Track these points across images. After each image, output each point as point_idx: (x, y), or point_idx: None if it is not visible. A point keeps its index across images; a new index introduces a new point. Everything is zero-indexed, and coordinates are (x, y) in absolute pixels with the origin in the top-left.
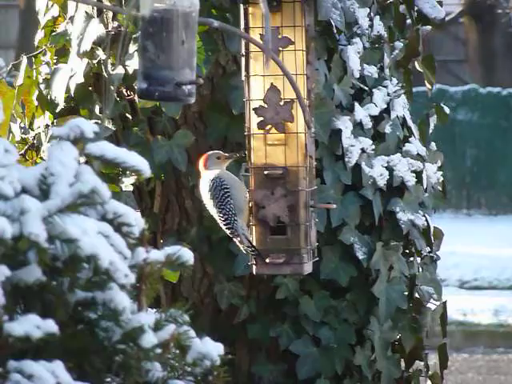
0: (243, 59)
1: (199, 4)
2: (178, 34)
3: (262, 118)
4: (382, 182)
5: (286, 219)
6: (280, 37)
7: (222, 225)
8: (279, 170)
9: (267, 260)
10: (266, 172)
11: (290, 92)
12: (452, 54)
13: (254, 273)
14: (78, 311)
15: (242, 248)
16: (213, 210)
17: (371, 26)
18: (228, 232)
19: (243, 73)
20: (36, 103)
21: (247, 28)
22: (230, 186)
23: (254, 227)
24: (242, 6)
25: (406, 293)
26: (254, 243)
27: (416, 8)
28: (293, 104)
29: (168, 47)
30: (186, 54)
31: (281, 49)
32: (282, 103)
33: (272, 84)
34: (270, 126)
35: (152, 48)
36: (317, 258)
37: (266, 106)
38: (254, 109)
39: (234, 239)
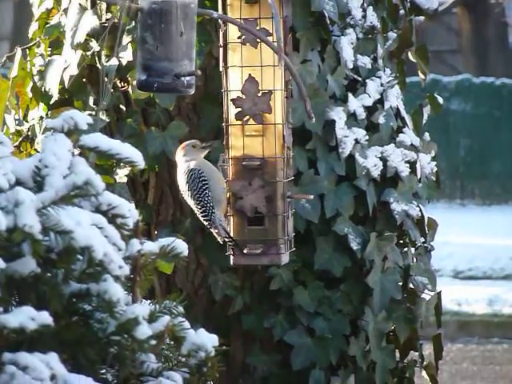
0: (221, 50)
1: None
2: (177, 25)
3: (239, 109)
4: (375, 173)
5: (263, 210)
6: (258, 28)
7: (199, 216)
8: (257, 160)
9: (245, 250)
10: (243, 163)
11: (267, 83)
12: (445, 44)
13: (232, 263)
14: (73, 303)
15: (219, 239)
16: (190, 201)
17: (364, 17)
18: (205, 223)
19: (221, 64)
20: (30, 95)
21: None
22: (208, 178)
23: (231, 218)
24: None
25: (401, 283)
26: (232, 234)
27: None
28: (271, 95)
29: (167, 39)
30: (184, 46)
31: (259, 40)
32: (259, 94)
33: (250, 75)
34: (247, 117)
35: (151, 39)
36: (293, 249)
37: (243, 96)
38: (231, 100)
39: (212, 230)
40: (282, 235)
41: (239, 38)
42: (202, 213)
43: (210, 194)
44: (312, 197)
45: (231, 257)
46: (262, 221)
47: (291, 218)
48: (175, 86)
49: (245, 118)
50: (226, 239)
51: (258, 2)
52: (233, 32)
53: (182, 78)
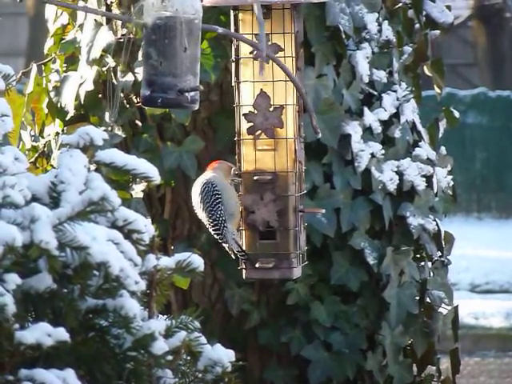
0: (233, 65)
1: (208, 10)
2: (181, 40)
3: (251, 124)
4: (391, 187)
5: (275, 224)
6: (270, 43)
7: (210, 230)
8: (268, 175)
9: (257, 264)
10: (255, 177)
11: (279, 98)
12: (461, 58)
13: (244, 277)
14: (89, 318)
15: (230, 253)
16: (202, 214)
17: (380, 31)
18: (217, 237)
19: (233, 78)
20: (46, 111)
21: None
22: (221, 192)
23: (243, 232)
24: (232, 12)
25: (417, 297)
26: (244, 248)
27: (424, 12)
28: (282, 110)
29: (170, 54)
30: (188, 61)
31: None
32: (271, 109)
33: (262, 90)
34: (259, 132)
35: (155, 55)
36: (306, 263)
37: (255, 111)
38: (243, 114)
39: (223, 244)
40: (294, 249)
41: (251, 52)
42: (213, 226)
43: (223, 208)
44: (324, 211)
45: (243, 271)
46: (273, 235)
47: (303, 232)
48: (179, 101)
49: (256, 133)
50: (238, 253)
51: (269, 17)
52: (245, 47)
53: (186, 94)
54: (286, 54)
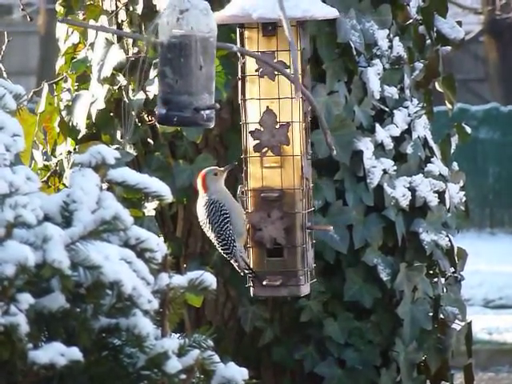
0: (239, 82)
1: (218, 28)
2: (196, 59)
3: (258, 141)
4: (404, 203)
5: (282, 241)
6: (276, 61)
7: (219, 249)
8: (275, 192)
9: (264, 282)
10: (262, 194)
11: (285, 115)
12: (472, 73)
13: (252, 295)
14: (102, 337)
15: (239, 271)
16: (211, 234)
17: (391, 47)
18: (226, 256)
19: (239, 96)
20: (58, 130)
21: None
22: (229, 211)
23: (250, 249)
24: (238, 29)
25: (431, 313)
26: (251, 265)
27: (435, 28)
28: (288, 127)
29: (186, 72)
30: (204, 79)
31: (276, 73)
32: (277, 126)
33: (268, 107)
34: (266, 149)
35: (170, 73)
36: (314, 280)
37: (261, 128)
38: (250, 132)
39: (232, 262)
40: (302, 266)
41: (257, 70)
42: (222, 246)
43: (232, 228)
44: (332, 228)
45: (251, 288)
46: (281, 252)
47: (311, 249)
48: (195, 119)
49: (263, 150)
50: (246, 271)
51: (275, 35)
52: (251, 65)
53: (202, 112)
54: (291, 71)
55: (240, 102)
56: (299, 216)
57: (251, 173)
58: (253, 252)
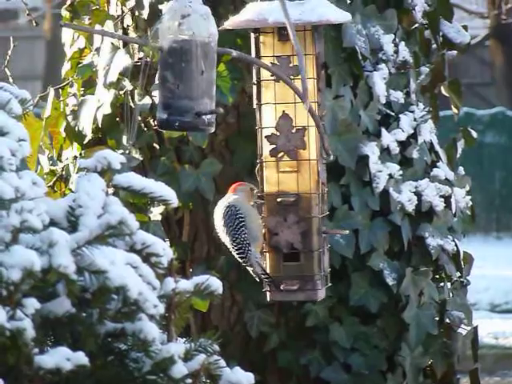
0: (254, 87)
1: (224, 33)
2: (197, 64)
3: (274, 146)
4: (410, 208)
5: (299, 246)
6: (291, 65)
7: (234, 253)
8: (292, 196)
9: (281, 287)
10: (278, 199)
11: (301, 119)
12: (478, 77)
13: (268, 299)
14: (108, 342)
15: (255, 276)
16: (225, 238)
17: (396, 52)
18: (241, 261)
19: (255, 101)
20: (64, 135)
21: (258, 57)
22: (244, 215)
23: (267, 254)
24: (252, 34)
25: (437, 318)
26: (268, 270)
27: (441, 33)
28: (304, 131)
29: (187, 77)
30: (205, 84)
31: (292, 77)
32: (293, 131)
33: (284, 112)
34: (282, 153)
35: (171, 78)
36: (330, 284)
37: (277, 133)
38: (266, 136)
39: (247, 267)
40: (318, 271)
41: (272, 75)
42: (237, 250)
43: (247, 232)
44: (347, 232)
45: (268, 293)
46: (297, 257)
47: (327, 254)
48: (196, 124)
49: (279, 155)
50: (263, 276)
51: (289, 39)
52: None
53: (203, 116)
54: (307, 75)
55: (255, 106)
56: (315, 220)
57: (267, 177)
58: (269, 257)
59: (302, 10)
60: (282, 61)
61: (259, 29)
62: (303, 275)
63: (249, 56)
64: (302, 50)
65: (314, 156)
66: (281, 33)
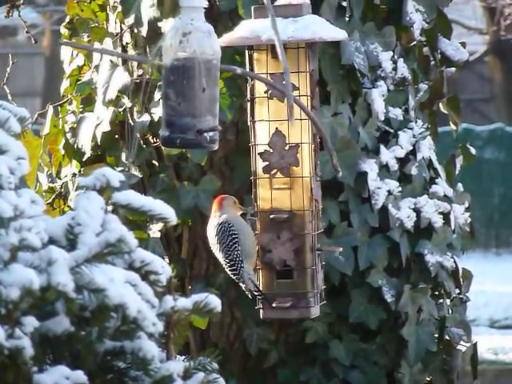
0: (248, 104)
1: (223, 50)
2: (200, 81)
3: (267, 163)
4: (409, 224)
5: (292, 263)
6: (284, 82)
7: (227, 270)
8: (285, 213)
9: (274, 304)
10: (271, 216)
11: (294, 136)
12: (477, 93)
13: (261, 317)
14: (107, 360)
15: (247, 293)
16: (219, 255)
17: (395, 69)
18: (234, 277)
19: (249, 118)
20: (63, 152)
21: None
22: (238, 232)
23: (260, 271)
24: (247, 51)
25: (436, 335)
26: (261, 287)
27: (439, 50)
28: (298, 148)
29: (189, 95)
30: (207, 101)
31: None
32: (287, 148)
33: (277, 129)
34: (275, 170)
35: (173, 96)
36: (324, 302)
37: (271, 150)
38: (259, 153)
39: (240, 284)
40: (312, 288)
41: (266, 92)
42: (230, 267)
43: (240, 248)
44: (341, 249)
45: (261, 311)
46: (290, 274)
47: (321, 271)
48: (198, 141)
49: (272, 172)
50: (256, 293)
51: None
52: (260, 86)
53: (205, 134)
54: (300, 92)
55: (249, 123)
56: (309, 237)
57: (260, 194)
58: (262, 274)
59: (295, 27)
60: (275, 78)
61: (253, 46)
62: (296, 292)
63: (252, 73)
64: (295, 67)
65: (307, 173)
66: (274, 50)
